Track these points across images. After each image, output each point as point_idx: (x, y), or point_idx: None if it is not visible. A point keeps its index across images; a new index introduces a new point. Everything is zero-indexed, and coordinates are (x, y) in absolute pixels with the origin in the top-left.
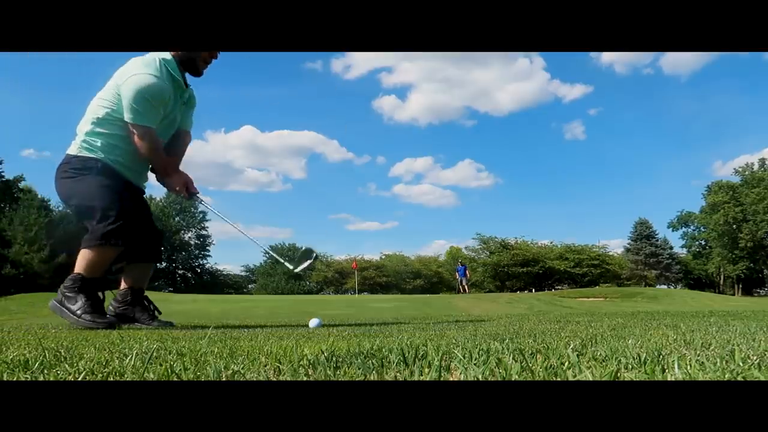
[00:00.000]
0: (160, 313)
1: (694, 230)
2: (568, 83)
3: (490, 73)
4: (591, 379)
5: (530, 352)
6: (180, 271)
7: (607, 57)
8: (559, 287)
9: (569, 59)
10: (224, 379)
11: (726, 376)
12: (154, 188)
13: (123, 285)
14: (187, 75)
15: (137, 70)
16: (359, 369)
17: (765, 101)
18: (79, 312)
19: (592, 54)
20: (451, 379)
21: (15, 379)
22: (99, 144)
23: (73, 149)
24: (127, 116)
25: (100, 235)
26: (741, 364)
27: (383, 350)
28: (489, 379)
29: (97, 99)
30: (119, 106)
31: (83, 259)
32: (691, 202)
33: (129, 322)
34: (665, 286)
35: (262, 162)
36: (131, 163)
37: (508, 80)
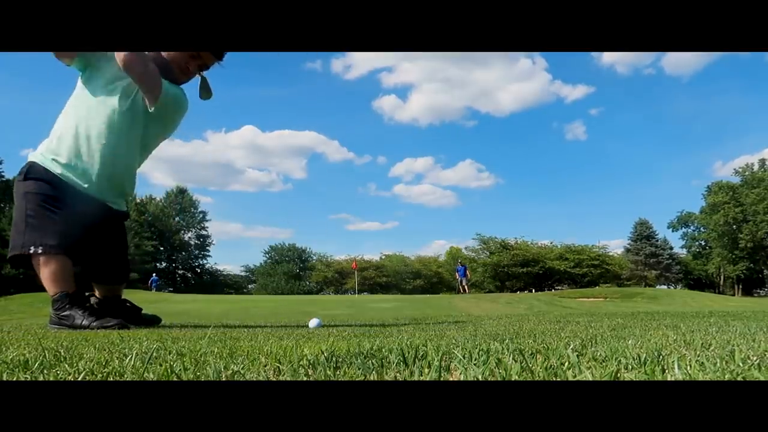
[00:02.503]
0: (141, 309)
1: (694, 230)
2: (570, 84)
3: (491, 74)
4: (591, 379)
5: (530, 352)
6: (180, 271)
7: (608, 57)
8: (559, 287)
9: (571, 60)
10: (224, 379)
11: (726, 376)
12: (153, 188)
13: (98, 294)
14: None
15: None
16: (359, 369)
17: (766, 101)
18: (85, 323)
19: (594, 54)
20: (451, 379)
21: (15, 379)
22: (62, 159)
23: (30, 158)
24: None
25: (39, 244)
26: (741, 364)
27: (383, 350)
28: (489, 379)
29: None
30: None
31: (45, 278)
32: (691, 202)
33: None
34: (665, 287)
35: (263, 162)
36: (105, 185)
37: (510, 81)
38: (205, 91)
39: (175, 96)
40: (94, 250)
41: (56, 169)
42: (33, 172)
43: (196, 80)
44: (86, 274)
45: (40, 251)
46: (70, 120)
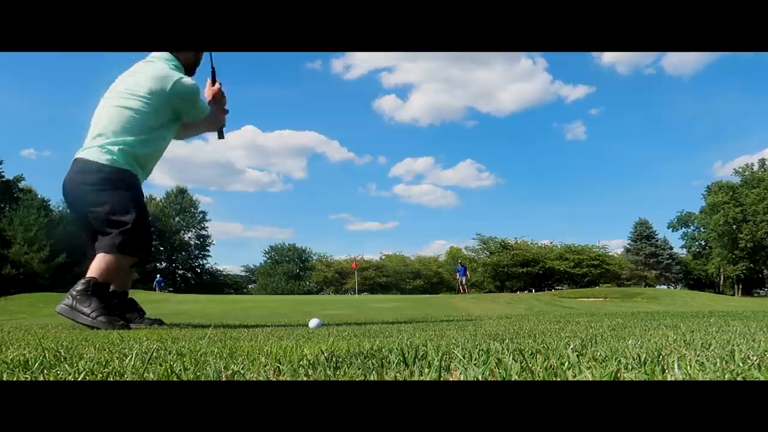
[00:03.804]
0: (145, 312)
1: (694, 230)
2: (570, 84)
3: (492, 74)
4: (591, 379)
5: (530, 352)
6: (180, 271)
7: (608, 57)
8: (559, 287)
9: (571, 60)
10: (224, 379)
11: (726, 376)
12: (154, 188)
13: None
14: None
15: (177, 74)
16: (359, 369)
17: (766, 101)
18: (94, 315)
19: (594, 54)
20: (451, 379)
21: (15, 379)
22: (130, 153)
23: (101, 157)
24: (195, 114)
25: (130, 245)
26: (741, 364)
27: (383, 350)
28: (489, 379)
29: (123, 101)
30: (154, 108)
31: (101, 264)
32: (691, 202)
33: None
34: (665, 287)
35: (263, 162)
36: (147, 170)
37: (510, 81)
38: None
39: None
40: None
41: (140, 177)
42: (137, 183)
43: None
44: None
45: (135, 254)
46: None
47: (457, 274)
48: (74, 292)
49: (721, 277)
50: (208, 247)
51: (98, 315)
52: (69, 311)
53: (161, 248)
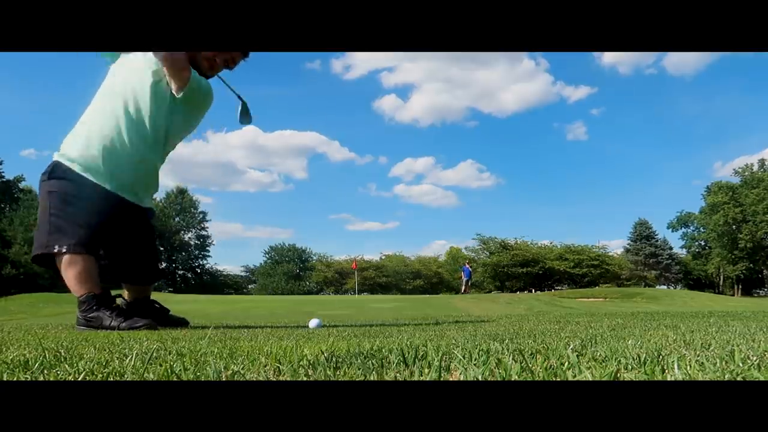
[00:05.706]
0: (168, 311)
1: (693, 231)
2: (572, 85)
3: (493, 74)
4: (591, 379)
5: (530, 352)
6: (180, 272)
7: (610, 58)
8: (559, 287)
9: (573, 60)
10: (224, 380)
11: (726, 376)
12: None
13: (127, 296)
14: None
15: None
16: (359, 369)
17: (766, 102)
18: (114, 324)
19: (596, 54)
20: (451, 379)
21: (15, 379)
22: (80, 153)
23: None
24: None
25: (44, 244)
26: (741, 364)
27: (383, 350)
28: (489, 379)
29: (99, 107)
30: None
31: (70, 279)
32: (691, 202)
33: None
34: (665, 287)
35: (264, 162)
36: (121, 181)
37: (512, 81)
38: (246, 116)
39: (203, 87)
40: (121, 248)
41: (81, 171)
42: (57, 172)
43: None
44: (116, 273)
45: (64, 250)
46: (96, 118)
47: (463, 273)
48: (82, 313)
49: (721, 278)
50: (208, 248)
51: (119, 323)
52: (89, 329)
53: (161, 248)
